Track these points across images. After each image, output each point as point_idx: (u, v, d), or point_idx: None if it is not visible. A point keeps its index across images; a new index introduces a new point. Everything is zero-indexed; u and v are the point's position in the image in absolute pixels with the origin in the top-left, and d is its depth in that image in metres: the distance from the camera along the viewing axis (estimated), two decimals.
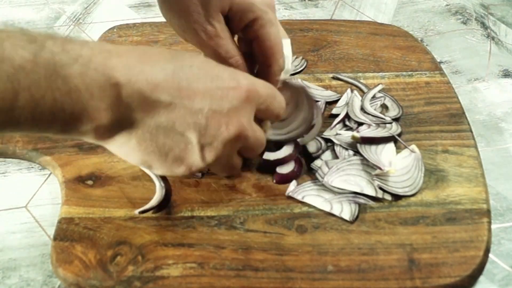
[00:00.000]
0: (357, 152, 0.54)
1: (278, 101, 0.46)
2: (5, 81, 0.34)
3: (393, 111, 0.59)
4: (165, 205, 0.51)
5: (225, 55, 0.49)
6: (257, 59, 0.51)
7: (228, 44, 0.49)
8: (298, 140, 0.54)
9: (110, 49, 0.39)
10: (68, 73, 0.36)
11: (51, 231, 0.50)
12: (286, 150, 0.53)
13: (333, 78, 0.63)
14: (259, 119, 0.46)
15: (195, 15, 0.47)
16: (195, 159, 0.42)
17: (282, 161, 0.53)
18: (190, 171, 0.43)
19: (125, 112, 0.39)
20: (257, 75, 0.51)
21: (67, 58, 0.36)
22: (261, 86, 0.45)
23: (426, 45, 0.71)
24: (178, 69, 0.41)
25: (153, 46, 0.45)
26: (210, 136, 0.41)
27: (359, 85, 0.62)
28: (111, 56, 0.38)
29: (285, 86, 0.52)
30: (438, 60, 0.68)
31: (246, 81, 0.43)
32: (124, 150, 0.42)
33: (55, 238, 0.48)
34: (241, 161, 0.48)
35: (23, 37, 0.35)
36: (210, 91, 0.41)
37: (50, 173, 0.56)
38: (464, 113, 0.60)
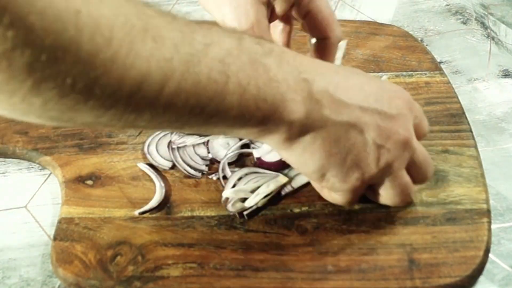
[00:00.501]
0: None
1: (426, 120, 0.47)
2: (218, 63, 0.34)
3: None
4: (165, 205, 0.51)
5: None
6: (313, 34, 0.51)
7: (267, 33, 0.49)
8: None
9: (296, 53, 0.41)
10: (266, 63, 0.37)
11: (51, 231, 0.50)
12: None
13: None
14: None
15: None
16: (370, 162, 0.42)
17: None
18: (363, 179, 0.43)
19: (315, 107, 0.40)
20: (316, 51, 0.52)
21: (263, 50, 0.37)
22: (415, 102, 0.46)
23: (426, 45, 0.71)
24: (348, 73, 0.43)
25: None
26: (385, 136, 0.42)
27: None
28: (297, 54, 0.40)
29: None
30: (438, 60, 0.68)
31: (407, 93, 0.45)
32: (308, 152, 0.42)
33: (55, 238, 0.48)
34: (413, 187, 0.47)
35: (224, 27, 0.39)
36: (381, 95, 0.43)
37: (50, 173, 0.56)
38: (464, 113, 0.60)
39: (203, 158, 0.55)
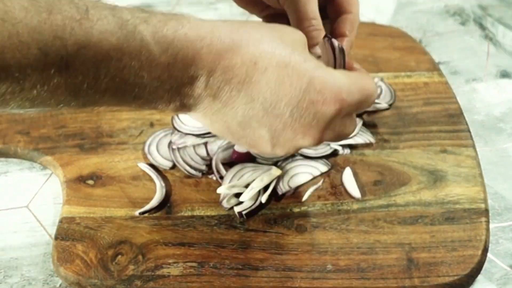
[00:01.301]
0: None
1: (369, 102, 0.42)
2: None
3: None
4: (165, 204, 0.51)
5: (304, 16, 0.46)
6: (333, 12, 0.48)
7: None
8: None
9: (204, 34, 0.37)
10: (156, 63, 0.35)
11: (53, 231, 0.50)
12: None
13: None
14: None
15: None
16: (266, 151, 0.41)
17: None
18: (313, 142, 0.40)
19: (200, 101, 0.38)
20: (333, 30, 0.48)
21: (157, 49, 0.35)
22: (354, 92, 0.40)
23: (425, 45, 0.72)
24: (270, 66, 0.38)
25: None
26: (284, 141, 0.40)
27: None
28: (202, 46, 0.37)
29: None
30: (437, 61, 0.68)
31: (338, 92, 0.39)
32: (226, 111, 0.39)
33: (56, 238, 0.48)
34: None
35: (138, 8, 0.36)
36: (296, 101, 0.38)
37: (52, 173, 0.56)
38: (462, 113, 0.60)
39: (203, 158, 0.55)
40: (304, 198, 0.52)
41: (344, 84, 0.40)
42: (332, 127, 0.41)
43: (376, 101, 0.60)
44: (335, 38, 0.46)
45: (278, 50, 0.39)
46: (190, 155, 0.55)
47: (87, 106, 0.37)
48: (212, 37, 0.37)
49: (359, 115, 0.59)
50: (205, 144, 0.56)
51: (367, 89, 0.41)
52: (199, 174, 0.54)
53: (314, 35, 0.46)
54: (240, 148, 0.54)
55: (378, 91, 0.61)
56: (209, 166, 0.54)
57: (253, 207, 0.50)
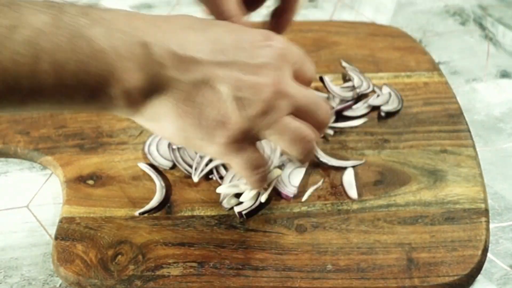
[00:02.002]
0: None
1: (309, 63, 0.44)
2: (25, 45, 0.33)
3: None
4: (165, 204, 0.51)
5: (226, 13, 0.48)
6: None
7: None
8: None
9: (133, 12, 0.38)
10: (91, 34, 0.35)
11: (53, 231, 0.50)
12: None
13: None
14: None
15: None
16: (234, 116, 0.39)
17: None
18: (231, 135, 0.39)
19: (159, 71, 0.37)
20: (275, 14, 0.51)
21: (88, 21, 0.35)
22: (294, 46, 0.43)
23: (425, 45, 0.72)
24: (208, 28, 0.40)
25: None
26: (245, 87, 0.38)
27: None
28: (135, 19, 0.37)
29: None
30: (437, 61, 0.68)
31: (279, 39, 0.41)
32: (160, 118, 0.39)
33: (56, 238, 0.48)
34: (313, 133, 0.42)
35: (41, 2, 0.34)
36: (243, 46, 0.39)
37: (52, 173, 0.56)
38: (462, 113, 0.60)
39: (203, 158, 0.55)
40: (304, 198, 0.52)
41: (279, 36, 0.42)
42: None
43: (384, 107, 0.60)
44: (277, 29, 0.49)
45: (202, 20, 0.41)
46: (190, 155, 0.55)
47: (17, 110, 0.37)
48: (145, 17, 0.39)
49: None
50: None
51: (302, 51, 0.43)
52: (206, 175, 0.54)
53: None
54: None
55: (385, 98, 0.61)
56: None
57: (253, 207, 0.50)
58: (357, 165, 0.54)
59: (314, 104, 0.42)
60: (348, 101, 0.60)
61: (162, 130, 0.40)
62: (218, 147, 0.40)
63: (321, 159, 0.55)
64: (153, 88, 0.38)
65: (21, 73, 0.33)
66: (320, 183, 0.53)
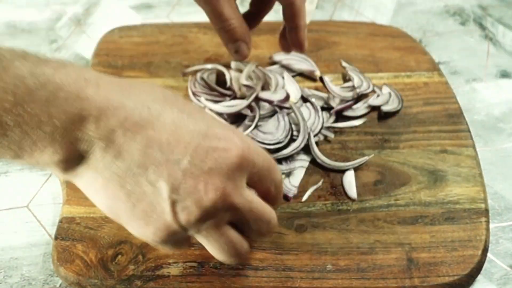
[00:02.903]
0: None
1: (275, 177, 0.40)
2: None
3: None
4: None
5: (219, 17, 0.51)
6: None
7: (224, 6, 0.50)
8: None
9: (89, 77, 0.35)
10: (33, 99, 0.32)
11: (53, 231, 0.50)
12: None
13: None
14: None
15: None
16: (165, 216, 0.35)
17: None
18: (161, 234, 0.36)
19: (92, 149, 0.34)
20: (285, 18, 0.54)
21: (34, 83, 0.32)
22: (258, 153, 0.39)
23: (425, 45, 0.72)
24: (165, 111, 0.36)
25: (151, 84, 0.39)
26: (184, 193, 0.35)
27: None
28: (87, 86, 0.34)
29: None
30: (437, 61, 0.68)
31: (241, 144, 0.37)
32: (92, 190, 0.37)
33: (56, 238, 0.48)
34: (247, 244, 0.40)
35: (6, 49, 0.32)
36: (196, 145, 0.36)
37: (51, 173, 0.56)
38: (462, 113, 0.60)
39: None
40: (304, 198, 0.52)
41: (248, 139, 0.39)
42: (240, 183, 0.37)
43: (385, 107, 0.60)
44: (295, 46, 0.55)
45: (170, 97, 0.38)
46: None
47: None
48: (98, 79, 0.35)
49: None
50: None
51: (270, 159, 0.40)
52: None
53: (234, 32, 0.52)
54: None
55: (385, 98, 0.61)
56: None
57: None
58: (358, 165, 0.54)
59: (259, 220, 0.39)
60: (348, 101, 0.60)
61: (95, 199, 0.38)
62: (153, 239, 0.37)
63: (322, 162, 0.55)
64: (85, 161, 0.35)
65: None
66: (320, 183, 0.53)
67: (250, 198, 0.38)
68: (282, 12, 0.54)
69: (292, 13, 0.53)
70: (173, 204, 0.35)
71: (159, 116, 0.36)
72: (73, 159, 0.35)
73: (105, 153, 0.35)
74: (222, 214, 0.37)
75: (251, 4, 0.57)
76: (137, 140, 0.35)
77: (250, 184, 0.39)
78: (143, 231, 0.37)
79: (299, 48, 0.55)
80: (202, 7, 0.51)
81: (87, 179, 0.36)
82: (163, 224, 0.36)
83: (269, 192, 0.41)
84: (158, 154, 0.35)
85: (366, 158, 0.55)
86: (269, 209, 0.40)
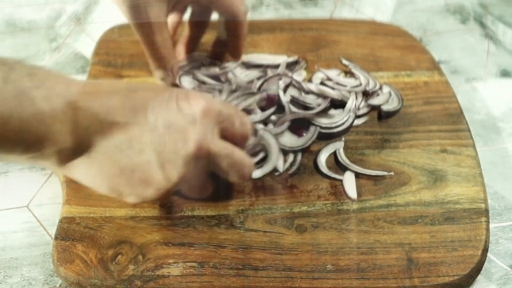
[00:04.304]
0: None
1: (242, 121, 0.46)
2: None
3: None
4: (165, 204, 0.51)
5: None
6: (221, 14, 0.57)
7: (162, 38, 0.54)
8: None
9: (71, 79, 0.41)
10: (34, 95, 0.38)
11: (53, 231, 0.50)
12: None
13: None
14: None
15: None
16: (159, 179, 0.42)
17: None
18: (159, 193, 0.43)
19: (84, 135, 0.40)
20: (227, 30, 0.58)
21: (33, 82, 0.38)
22: (221, 104, 0.45)
23: (425, 44, 0.72)
24: (132, 92, 0.43)
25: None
26: (169, 152, 0.41)
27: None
28: (71, 85, 0.40)
29: None
30: (437, 60, 0.68)
31: (202, 98, 0.43)
32: (89, 177, 0.42)
33: (56, 238, 0.48)
34: (211, 184, 0.49)
35: None
36: (164, 108, 0.42)
37: (51, 173, 0.56)
38: (462, 112, 0.60)
39: None
40: (304, 198, 0.52)
41: (212, 98, 0.46)
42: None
43: (385, 106, 0.60)
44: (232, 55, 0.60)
45: (137, 85, 0.45)
46: None
47: None
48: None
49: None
50: None
51: (234, 108, 0.47)
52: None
53: (162, 60, 0.56)
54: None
55: (386, 97, 0.60)
56: None
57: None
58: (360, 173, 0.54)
59: (236, 165, 0.45)
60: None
61: (96, 185, 0.43)
62: (150, 201, 0.47)
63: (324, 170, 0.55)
64: (80, 149, 0.41)
65: None
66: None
67: (224, 145, 0.44)
68: (224, 22, 0.57)
69: (235, 24, 0.57)
70: (163, 166, 0.41)
71: (127, 97, 0.42)
72: (73, 149, 0.41)
73: (94, 137, 0.41)
74: (202, 162, 0.43)
75: (189, 30, 0.61)
76: (117, 120, 0.41)
77: (225, 136, 0.45)
78: (145, 195, 0.43)
79: (237, 56, 0.60)
80: (135, 32, 0.54)
81: (83, 167, 0.42)
82: (159, 185, 0.42)
83: (243, 137, 0.47)
84: (137, 127, 0.41)
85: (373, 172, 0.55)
86: (244, 154, 0.46)
